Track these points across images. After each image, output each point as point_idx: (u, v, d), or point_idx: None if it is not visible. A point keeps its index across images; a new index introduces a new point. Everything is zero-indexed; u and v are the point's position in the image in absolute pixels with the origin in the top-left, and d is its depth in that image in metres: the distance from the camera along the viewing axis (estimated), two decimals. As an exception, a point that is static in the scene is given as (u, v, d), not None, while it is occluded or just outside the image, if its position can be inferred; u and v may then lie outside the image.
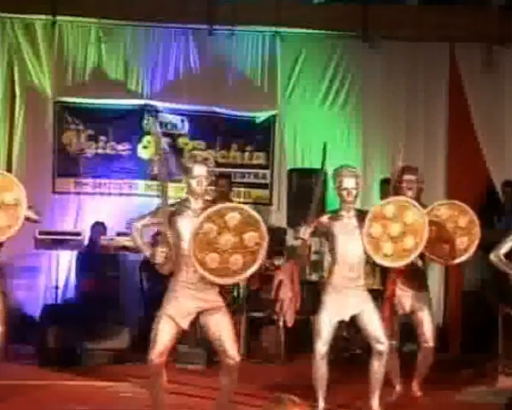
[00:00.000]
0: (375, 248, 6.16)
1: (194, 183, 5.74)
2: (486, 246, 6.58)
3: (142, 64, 10.13)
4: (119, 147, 10.09)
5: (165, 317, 5.62)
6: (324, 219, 6.34)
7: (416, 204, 6.31)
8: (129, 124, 10.10)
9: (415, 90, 10.27)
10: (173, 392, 6.23)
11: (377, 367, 6.17)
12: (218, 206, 5.65)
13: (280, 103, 10.27)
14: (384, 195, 9.37)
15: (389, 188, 9.23)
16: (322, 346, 6.15)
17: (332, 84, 10.29)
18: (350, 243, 6.23)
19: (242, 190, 10.17)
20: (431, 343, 6.60)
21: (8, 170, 9.62)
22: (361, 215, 6.27)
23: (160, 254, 5.67)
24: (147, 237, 6.25)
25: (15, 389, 6.73)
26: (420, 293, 6.65)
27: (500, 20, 9.78)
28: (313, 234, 6.42)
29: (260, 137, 10.32)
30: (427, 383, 6.79)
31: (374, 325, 6.16)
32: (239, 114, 10.24)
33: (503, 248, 6.34)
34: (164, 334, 5.60)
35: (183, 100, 10.14)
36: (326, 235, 6.40)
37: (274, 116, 10.28)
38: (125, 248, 9.04)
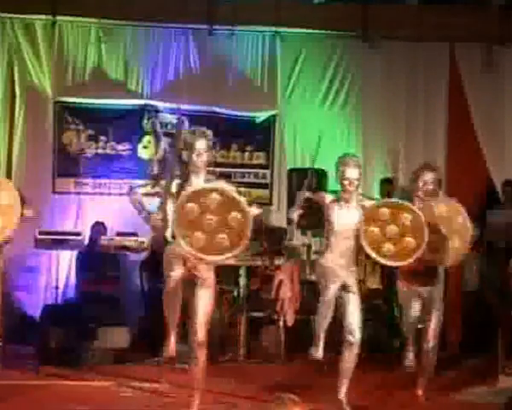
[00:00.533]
0: (375, 249, 6.18)
1: (194, 156, 5.83)
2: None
3: (142, 64, 10.13)
4: (119, 147, 10.09)
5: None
6: (328, 199, 6.37)
7: (412, 207, 6.27)
8: (129, 124, 10.10)
9: (415, 90, 10.27)
10: (173, 392, 6.23)
11: (347, 357, 6.25)
12: (200, 186, 5.72)
13: (280, 103, 10.27)
14: (384, 194, 9.42)
15: (389, 187, 9.30)
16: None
17: (332, 84, 10.29)
18: (344, 232, 6.26)
19: (242, 189, 10.12)
20: (431, 343, 6.56)
21: (8, 170, 9.67)
22: (363, 200, 6.35)
23: (155, 218, 5.82)
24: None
25: (15, 389, 6.73)
26: (431, 290, 6.61)
27: (500, 20, 9.79)
28: (309, 209, 6.47)
29: (260, 137, 10.32)
30: (427, 383, 6.78)
31: (351, 318, 6.23)
32: (239, 114, 10.24)
33: None
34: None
35: (183, 100, 10.13)
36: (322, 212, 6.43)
37: (274, 116, 10.28)
38: (125, 248, 9.05)
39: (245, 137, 10.29)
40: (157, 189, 5.96)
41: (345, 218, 6.29)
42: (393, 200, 6.50)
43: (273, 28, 10.15)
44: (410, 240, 6.18)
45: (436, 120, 10.19)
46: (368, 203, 6.34)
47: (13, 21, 9.86)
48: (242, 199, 5.77)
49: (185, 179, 5.88)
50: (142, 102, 10.10)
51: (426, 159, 10.01)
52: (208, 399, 6.37)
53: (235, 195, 5.76)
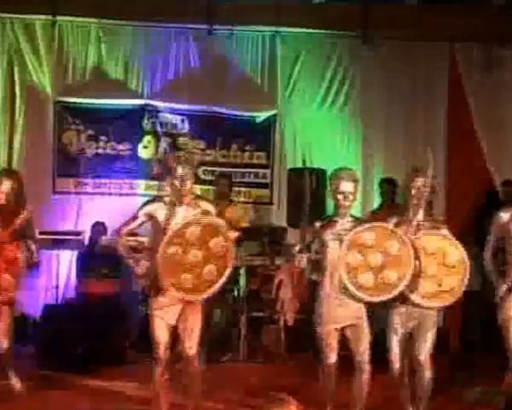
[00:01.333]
0: (351, 278, 5.80)
1: (176, 182, 5.78)
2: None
3: (142, 64, 10.14)
4: (120, 147, 10.10)
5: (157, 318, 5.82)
6: (316, 226, 6.04)
7: (402, 236, 5.80)
8: (129, 124, 10.10)
9: (415, 90, 10.27)
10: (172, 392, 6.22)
11: (358, 384, 6.01)
12: (175, 228, 5.67)
13: (280, 103, 10.28)
14: (384, 194, 9.43)
15: (390, 188, 9.31)
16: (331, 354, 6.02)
17: (332, 84, 10.30)
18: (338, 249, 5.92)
19: (243, 189, 10.17)
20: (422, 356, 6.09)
21: (9, 170, 9.66)
22: (356, 222, 5.99)
23: (142, 267, 5.83)
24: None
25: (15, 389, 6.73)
26: None
27: (500, 20, 9.78)
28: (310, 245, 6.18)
29: (260, 136, 10.32)
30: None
31: (359, 346, 5.96)
32: (239, 113, 10.24)
33: (489, 251, 6.20)
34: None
35: (183, 100, 10.14)
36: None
37: (274, 116, 10.29)
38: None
39: (245, 137, 10.29)
40: (140, 220, 5.93)
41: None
42: (384, 225, 5.97)
43: (273, 28, 10.15)
44: (391, 272, 5.78)
45: (436, 120, 10.19)
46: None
47: (13, 21, 9.87)
48: (221, 222, 5.78)
49: (172, 208, 5.84)
50: (142, 102, 10.11)
51: (426, 159, 10.05)
52: (208, 399, 6.37)
53: (213, 220, 5.78)
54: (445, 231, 6.03)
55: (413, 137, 10.18)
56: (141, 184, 10.05)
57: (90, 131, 10.07)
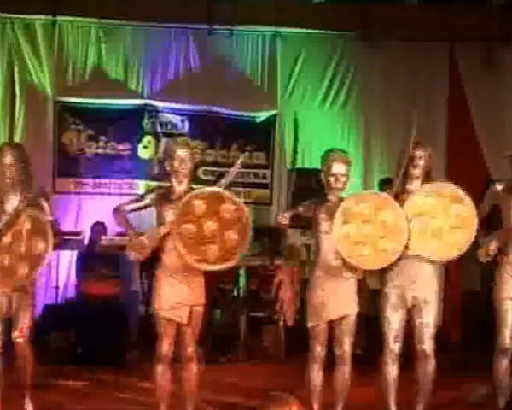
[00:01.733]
0: (349, 250, 5.73)
1: (176, 163, 5.76)
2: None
3: (142, 64, 10.14)
4: (120, 147, 10.10)
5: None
6: (307, 203, 5.94)
7: (395, 205, 5.78)
8: (129, 124, 10.11)
9: (415, 89, 10.28)
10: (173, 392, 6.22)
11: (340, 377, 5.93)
12: (180, 205, 5.64)
13: (280, 103, 10.28)
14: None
15: (389, 187, 9.29)
16: (319, 349, 5.93)
17: (332, 84, 10.30)
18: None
19: (242, 189, 10.17)
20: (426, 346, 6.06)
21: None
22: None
23: (138, 242, 5.75)
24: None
25: (15, 389, 6.72)
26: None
27: (500, 20, 9.78)
28: (297, 221, 6.06)
29: (260, 137, 10.32)
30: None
31: (345, 334, 5.88)
32: (239, 113, 10.25)
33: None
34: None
35: (183, 100, 10.15)
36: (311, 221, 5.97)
37: (274, 116, 10.29)
38: (125, 248, 9.02)
39: (245, 137, 10.29)
40: (146, 202, 5.90)
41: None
42: (382, 195, 5.96)
43: (273, 28, 10.16)
44: (388, 241, 5.73)
45: (436, 119, 10.19)
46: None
47: (13, 21, 9.87)
48: (219, 189, 5.76)
49: (169, 188, 5.84)
50: (142, 102, 10.11)
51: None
52: (208, 399, 6.37)
53: (213, 189, 5.78)
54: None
55: (413, 136, 10.17)
56: (141, 184, 10.05)
57: (90, 131, 10.08)
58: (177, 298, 5.72)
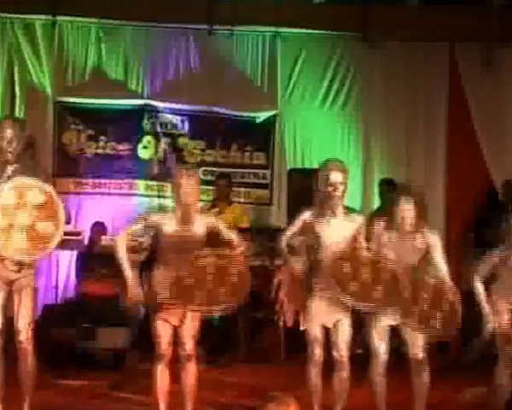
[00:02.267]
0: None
1: (183, 195, 5.76)
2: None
3: (142, 64, 10.13)
4: (119, 147, 10.10)
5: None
6: (307, 215, 5.97)
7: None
8: (129, 124, 10.11)
9: (415, 90, 10.27)
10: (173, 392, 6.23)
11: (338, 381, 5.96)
12: (192, 257, 5.67)
13: (280, 103, 10.28)
14: (384, 195, 9.42)
15: (390, 189, 9.29)
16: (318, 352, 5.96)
17: (332, 84, 10.29)
18: (334, 243, 5.87)
19: (242, 190, 10.17)
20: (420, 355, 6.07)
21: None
22: (350, 214, 5.99)
23: (136, 292, 5.82)
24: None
25: (15, 389, 6.72)
26: None
27: (500, 20, 9.78)
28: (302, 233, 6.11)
29: (260, 137, 10.32)
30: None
31: (340, 338, 5.94)
32: (239, 114, 10.24)
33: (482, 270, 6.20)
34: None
35: (183, 100, 10.14)
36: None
37: (274, 116, 10.29)
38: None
39: (245, 137, 10.29)
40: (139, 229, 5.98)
41: (335, 232, 5.90)
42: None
43: (273, 28, 10.15)
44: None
45: (436, 120, 10.19)
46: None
47: (13, 21, 9.86)
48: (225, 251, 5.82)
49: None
50: (142, 102, 10.11)
51: (426, 159, 10.08)
52: (208, 399, 6.37)
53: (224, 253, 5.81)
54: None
55: (413, 137, 10.18)
56: (140, 185, 10.05)
57: (90, 131, 10.08)
58: None
